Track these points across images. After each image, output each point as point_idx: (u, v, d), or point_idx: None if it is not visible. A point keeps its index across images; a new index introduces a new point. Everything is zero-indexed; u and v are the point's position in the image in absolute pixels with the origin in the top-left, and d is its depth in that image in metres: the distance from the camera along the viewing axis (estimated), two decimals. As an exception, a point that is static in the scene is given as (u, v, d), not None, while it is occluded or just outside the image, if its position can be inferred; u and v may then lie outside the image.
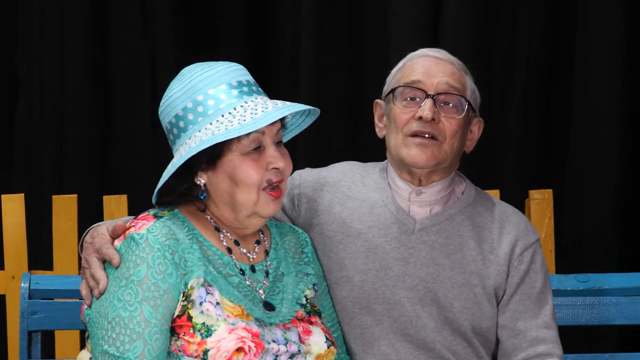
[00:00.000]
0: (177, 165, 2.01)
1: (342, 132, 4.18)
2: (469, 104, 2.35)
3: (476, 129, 2.43)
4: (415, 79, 2.34)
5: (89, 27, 4.15)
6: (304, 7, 4.13)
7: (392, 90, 2.38)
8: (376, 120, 2.46)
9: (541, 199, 3.39)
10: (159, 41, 4.16)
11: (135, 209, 2.20)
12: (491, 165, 3.98)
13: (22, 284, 2.69)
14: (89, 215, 3.55)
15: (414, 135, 2.31)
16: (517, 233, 2.38)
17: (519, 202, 3.43)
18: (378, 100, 2.46)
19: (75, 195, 3.60)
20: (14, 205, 3.58)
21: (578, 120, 3.98)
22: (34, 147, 4.14)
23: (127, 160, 4.12)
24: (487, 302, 2.33)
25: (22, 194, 3.64)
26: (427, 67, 2.35)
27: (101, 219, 3.28)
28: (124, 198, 3.54)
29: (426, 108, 2.29)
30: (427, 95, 2.31)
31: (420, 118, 2.29)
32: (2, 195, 3.61)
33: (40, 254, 3.78)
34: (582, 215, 3.94)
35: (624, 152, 3.91)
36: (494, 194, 3.17)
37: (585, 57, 3.96)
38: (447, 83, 2.32)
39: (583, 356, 2.99)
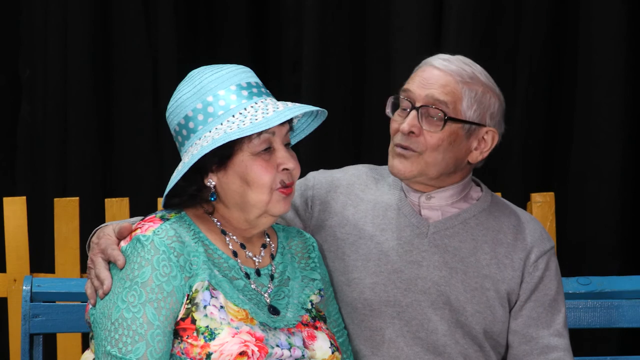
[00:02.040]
0: (189, 165, 2.02)
1: (344, 135, 4.18)
2: (452, 119, 2.30)
3: (489, 138, 2.38)
4: (407, 87, 2.35)
5: (91, 30, 4.15)
6: (307, 11, 4.14)
7: (394, 98, 2.38)
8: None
9: (543, 202, 3.39)
10: (161, 44, 4.16)
11: (137, 212, 2.20)
12: (494, 168, 3.97)
13: (24, 287, 2.70)
14: (91, 218, 3.55)
15: (397, 146, 2.32)
16: (532, 239, 2.38)
17: (521, 205, 3.43)
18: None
19: (77, 198, 3.60)
20: (16, 207, 3.57)
21: (581, 123, 3.97)
22: (36, 150, 4.14)
23: (129, 163, 4.12)
24: (499, 306, 2.33)
25: (24, 197, 3.63)
26: (425, 77, 2.34)
27: (103, 222, 3.29)
28: (125, 201, 3.54)
29: (406, 121, 2.30)
30: (413, 107, 2.31)
31: (399, 130, 2.31)
32: (4, 198, 3.61)
33: (42, 257, 3.78)
34: (585, 218, 3.94)
35: (627, 154, 3.91)
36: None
37: (588, 60, 3.96)
38: (432, 97, 2.30)
39: (585, 359, 2.99)
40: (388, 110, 2.40)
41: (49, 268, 3.61)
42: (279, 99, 2.17)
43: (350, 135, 4.18)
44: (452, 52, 2.47)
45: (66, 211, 3.54)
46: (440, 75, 2.33)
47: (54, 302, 2.73)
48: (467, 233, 2.36)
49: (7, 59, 4.23)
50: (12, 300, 3.55)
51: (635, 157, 3.94)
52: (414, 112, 2.31)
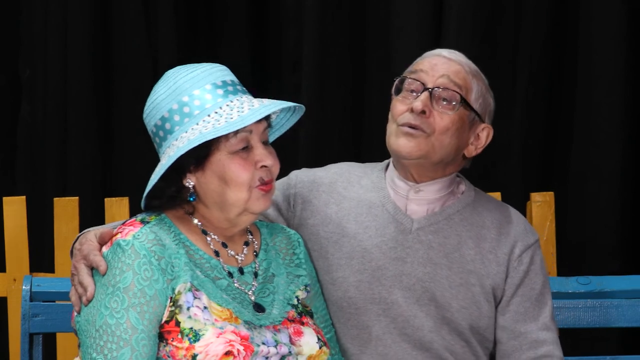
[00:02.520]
0: (166, 167, 2.01)
1: (344, 135, 4.18)
2: (467, 103, 2.34)
3: (484, 135, 2.41)
4: (418, 68, 2.36)
5: (91, 30, 4.15)
6: (307, 11, 4.14)
7: (399, 81, 2.38)
8: None
9: (542, 202, 3.39)
10: (161, 44, 4.17)
11: (136, 212, 2.20)
12: (493, 167, 3.97)
13: (24, 287, 2.70)
14: (91, 218, 3.55)
15: (404, 125, 2.31)
16: (516, 234, 2.38)
17: (521, 204, 3.43)
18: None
19: (77, 197, 3.60)
20: (16, 207, 3.57)
21: (581, 123, 3.97)
22: (36, 150, 4.14)
23: (129, 163, 4.12)
24: (485, 301, 2.33)
25: (24, 197, 3.63)
26: (434, 63, 2.36)
27: (103, 222, 3.29)
28: (125, 201, 3.54)
29: (419, 99, 2.30)
30: (425, 88, 2.31)
31: (412, 109, 2.30)
32: (4, 198, 3.61)
33: (41, 257, 3.78)
34: (585, 218, 3.94)
35: (627, 155, 3.91)
36: (496, 196, 3.18)
37: (588, 60, 3.96)
38: (447, 77, 2.32)
39: (585, 359, 2.99)
40: (397, 92, 2.39)
41: (49, 268, 3.61)
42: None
43: (350, 135, 4.18)
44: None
45: (66, 211, 3.54)
46: (452, 63, 2.36)
47: (54, 301, 2.73)
48: (451, 229, 2.36)
49: (7, 59, 4.23)
50: (11, 300, 3.55)
51: (635, 157, 3.94)
52: (426, 93, 2.31)
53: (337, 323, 2.34)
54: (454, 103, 2.31)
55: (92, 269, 2.02)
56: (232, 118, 2.01)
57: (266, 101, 2.08)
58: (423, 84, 2.32)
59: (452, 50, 2.42)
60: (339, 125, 4.15)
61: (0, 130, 4.23)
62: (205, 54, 4.11)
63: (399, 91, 2.38)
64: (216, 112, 2.03)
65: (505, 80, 4.00)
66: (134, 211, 3.40)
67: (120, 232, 2.04)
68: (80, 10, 4.12)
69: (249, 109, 2.03)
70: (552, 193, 3.45)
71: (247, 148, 2.07)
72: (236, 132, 2.03)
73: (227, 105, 2.05)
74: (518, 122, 3.97)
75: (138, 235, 2.01)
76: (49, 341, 3.17)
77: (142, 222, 2.07)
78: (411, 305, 2.30)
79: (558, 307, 2.75)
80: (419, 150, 2.30)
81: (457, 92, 2.32)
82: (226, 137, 2.03)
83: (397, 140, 2.32)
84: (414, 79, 2.35)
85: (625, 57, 3.91)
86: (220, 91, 2.06)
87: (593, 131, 3.94)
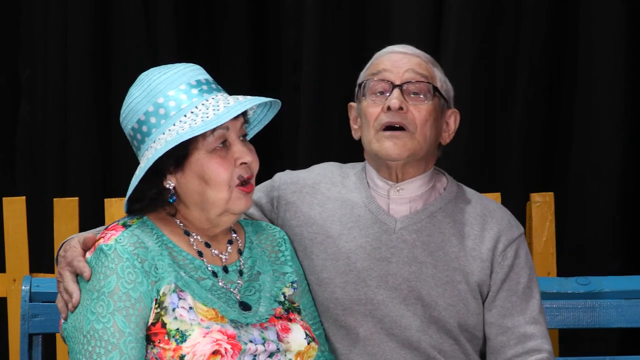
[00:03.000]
0: (145, 170, 2.01)
1: (344, 135, 4.17)
2: (438, 91, 2.36)
3: (452, 120, 2.44)
4: (380, 69, 2.36)
5: (91, 30, 4.14)
6: (307, 11, 4.13)
7: (361, 86, 2.39)
8: (351, 123, 2.48)
9: (542, 202, 3.38)
10: (161, 44, 4.16)
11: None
12: (493, 168, 3.97)
13: (23, 287, 2.71)
14: (91, 218, 3.56)
15: (385, 128, 2.31)
16: (499, 228, 2.38)
17: (521, 205, 3.43)
18: (351, 103, 2.47)
19: (77, 198, 3.59)
20: (16, 207, 3.57)
21: (581, 123, 3.97)
22: (36, 150, 4.14)
23: (129, 163, 4.09)
24: (472, 298, 2.33)
25: (24, 197, 3.63)
26: (394, 60, 2.38)
27: (102, 222, 3.28)
28: (124, 201, 3.54)
29: (393, 97, 2.31)
30: (394, 86, 2.32)
31: (389, 108, 2.30)
32: (4, 198, 3.61)
33: (41, 257, 3.77)
34: (585, 218, 3.93)
35: (627, 155, 3.91)
36: (496, 197, 3.18)
37: (588, 60, 3.95)
38: (413, 71, 2.34)
39: (584, 359, 2.99)
40: (357, 105, 2.41)
41: (49, 268, 3.60)
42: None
43: (350, 135, 4.18)
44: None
45: (66, 211, 3.53)
46: (410, 57, 2.39)
47: (53, 302, 2.71)
48: (434, 227, 2.36)
49: (7, 59, 4.23)
50: (11, 300, 3.55)
51: (635, 157, 3.93)
52: (397, 90, 2.32)
53: (326, 323, 2.35)
54: (426, 94, 2.34)
55: (77, 275, 2.03)
56: (208, 117, 2.01)
57: (241, 98, 2.08)
58: (391, 82, 2.33)
59: (404, 45, 2.45)
60: (339, 125, 4.13)
61: (0, 130, 4.22)
62: (205, 53, 4.12)
63: (364, 96, 2.38)
64: (192, 112, 2.04)
65: (505, 80, 4.01)
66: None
67: (103, 237, 2.05)
68: (80, 10, 4.11)
69: (224, 107, 2.03)
70: (552, 193, 3.44)
71: (225, 146, 2.07)
72: (213, 130, 2.04)
73: (203, 104, 2.05)
74: (518, 123, 3.97)
75: (120, 239, 2.02)
76: (49, 342, 3.16)
77: (124, 225, 2.08)
78: (398, 305, 2.30)
79: (558, 307, 2.75)
80: (407, 149, 2.31)
81: (426, 82, 2.34)
82: (203, 135, 2.03)
83: (382, 145, 2.32)
84: (379, 79, 2.35)
85: (625, 57, 3.91)
86: (195, 90, 2.07)
87: (593, 131, 3.93)
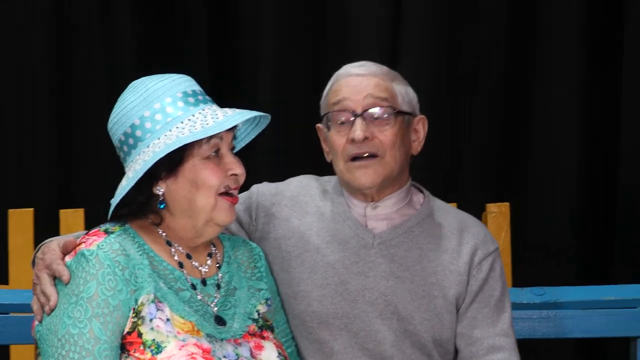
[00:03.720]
0: (142, 172, 2.01)
1: (304, 148, 4.18)
2: (400, 112, 2.34)
3: (420, 127, 2.43)
4: (340, 98, 2.33)
5: (49, 48, 4.13)
6: (264, 22, 4.14)
7: (325, 116, 2.38)
8: (323, 145, 2.45)
9: (498, 212, 3.39)
10: (118, 53, 4.15)
11: (92, 223, 2.18)
12: (450, 178, 4.00)
13: (-22, 298, 2.67)
14: (46, 229, 3.52)
15: (354, 158, 2.30)
16: (476, 242, 2.38)
17: (477, 215, 3.44)
18: (319, 125, 2.45)
19: (32, 209, 3.56)
20: (-31, 219, 3.54)
21: (538, 132, 4.01)
22: (-9, 161, 4.11)
23: (85, 174, 4.09)
24: (447, 312, 2.32)
25: (-24, 208, 3.60)
26: (351, 85, 2.34)
27: (57, 234, 3.25)
28: (80, 212, 3.51)
29: (357, 128, 2.29)
30: (355, 115, 2.30)
31: (354, 140, 2.29)
32: (-43, 210, 3.58)
33: (-5, 268, 3.74)
34: (542, 227, 3.96)
35: (582, 163, 3.95)
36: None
37: (546, 69, 4.00)
38: (372, 96, 2.32)
39: (540, 370, 3.01)
40: (325, 130, 2.38)
41: (3, 279, 3.56)
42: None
43: (311, 146, 4.18)
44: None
45: (20, 222, 3.50)
46: (367, 78, 2.35)
47: (8, 313, 2.71)
48: (412, 242, 2.35)
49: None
50: (-35, 312, 3.51)
51: (591, 166, 3.98)
52: (359, 119, 2.30)
53: (299, 337, 2.34)
54: (389, 117, 2.32)
55: (55, 279, 2.01)
56: (207, 124, 2.02)
57: (237, 110, 2.09)
58: (352, 111, 2.32)
59: (361, 63, 2.41)
60: (299, 139, 4.14)
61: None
62: (163, 66, 4.11)
63: (328, 128, 2.36)
64: (189, 120, 2.04)
65: (464, 91, 4.04)
66: (89, 223, 3.37)
67: (84, 242, 2.04)
68: (36, 21, 4.09)
69: (223, 116, 2.04)
70: (507, 204, 3.46)
71: (217, 155, 2.08)
72: (209, 139, 2.04)
73: (200, 112, 2.06)
74: (477, 131, 4.00)
75: (102, 245, 2.01)
76: (3, 353, 3.13)
77: (107, 232, 2.07)
78: (374, 319, 2.30)
79: (513, 318, 2.75)
80: (378, 176, 2.31)
81: (387, 105, 2.32)
82: (199, 143, 2.04)
83: (354, 175, 2.32)
84: (340, 109, 2.34)
85: (584, 67, 3.96)
86: (191, 99, 2.08)
87: (550, 139, 3.97)
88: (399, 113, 2.33)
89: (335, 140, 2.34)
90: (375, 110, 2.31)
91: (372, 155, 2.30)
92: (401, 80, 2.40)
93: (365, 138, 2.29)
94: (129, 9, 4.14)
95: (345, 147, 2.31)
